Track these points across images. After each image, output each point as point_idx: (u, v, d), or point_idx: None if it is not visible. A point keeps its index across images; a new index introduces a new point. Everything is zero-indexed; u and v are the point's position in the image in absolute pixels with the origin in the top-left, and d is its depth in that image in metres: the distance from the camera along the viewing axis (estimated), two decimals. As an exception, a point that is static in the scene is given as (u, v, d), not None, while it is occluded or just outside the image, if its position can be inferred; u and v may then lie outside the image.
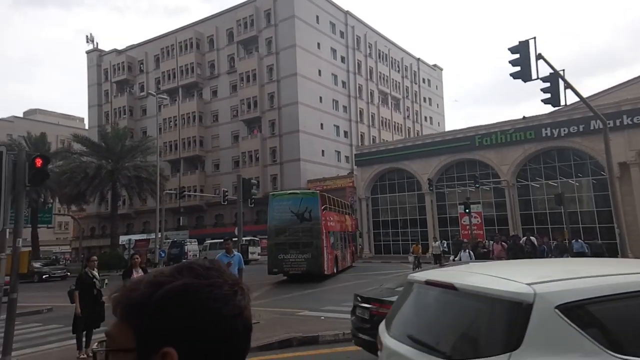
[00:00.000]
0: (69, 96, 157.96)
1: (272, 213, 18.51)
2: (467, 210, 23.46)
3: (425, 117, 60.64)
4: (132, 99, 55.73)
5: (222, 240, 31.50)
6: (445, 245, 22.96)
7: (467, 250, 13.55)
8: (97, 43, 59.90)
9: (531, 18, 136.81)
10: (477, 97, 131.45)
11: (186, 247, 35.69)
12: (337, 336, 7.41)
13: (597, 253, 19.43)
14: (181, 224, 48.98)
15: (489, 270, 2.86)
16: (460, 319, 2.50)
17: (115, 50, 58.55)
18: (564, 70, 13.89)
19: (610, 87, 30.69)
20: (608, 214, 22.88)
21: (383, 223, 37.82)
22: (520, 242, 15.23)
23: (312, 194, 20.00)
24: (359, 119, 49.21)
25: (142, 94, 51.43)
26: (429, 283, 2.74)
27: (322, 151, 44.28)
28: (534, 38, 12.23)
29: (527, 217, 30.49)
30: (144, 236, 42.73)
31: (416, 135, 53.36)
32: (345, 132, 47.63)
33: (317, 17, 45.26)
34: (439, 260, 20.39)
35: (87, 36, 59.88)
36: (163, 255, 28.00)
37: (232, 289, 0.73)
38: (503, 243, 14.69)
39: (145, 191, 31.68)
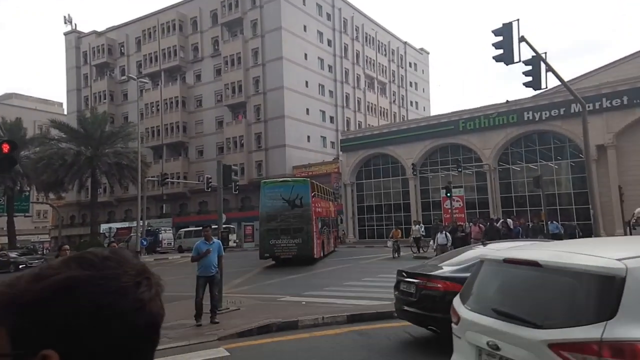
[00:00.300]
0: (47, 80, 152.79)
1: (263, 200, 19.21)
2: (448, 194, 23.59)
3: (411, 102, 60.46)
4: (112, 83, 54.01)
5: (198, 228, 31.50)
6: (422, 229, 22.44)
7: (443, 232, 13.96)
8: (75, 24, 57.60)
9: (521, 2, 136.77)
10: (464, 81, 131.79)
11: (160, 235, 35.08)
12: (316, 320, 7.27)
13: (571, 234, 20.01)
14: (164, 212, 48.26)
15: (569, 248, 3.17)
16: (549, 292, 2.75)
17: (94, 32, 56.40)
18: (545, 53, 13.74)
19: (591, 70, 30.92)
20: (585, 195, 23.25)
21: (367, 208, 37.92)
22: (497, 224, 15.42)
23: (303, 181, 20.58)
24: (345, 104, 48.74)
25: (123, 77, 49.81)
26: (507, 261, 3.02)
27: (308, 137, 43.82)
28: (517, 20, 12.02)
29: (508, 200, 30.91)
30: (125, 224, 42.02)
31: (402, 120, 53.19)
32: (331, 118, 47.16)
33: (303, -2, 44.22)
34: (418, 244, 20.44)
35: (64, 17, 57.24)
36: (145, 243, 27.50)
37: (134, 279, 0.66)
38: (481, 225, 14.93)
39: (126, 178, 30.92)
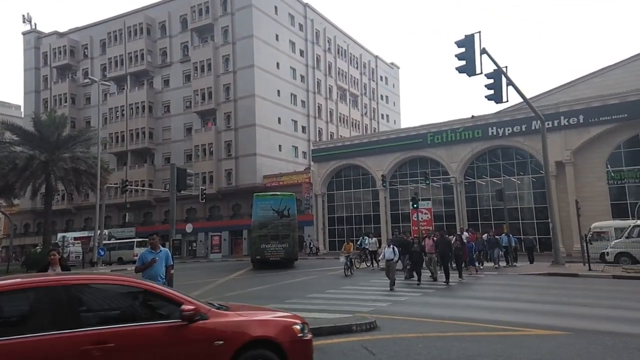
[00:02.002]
0: (4, 82, 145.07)
1: (256, 210, 22.61)
2: (414, 206, 23.76)
3: (382, 115, 61.40)
4: (74, 85, 51.79)
5: (129, 239, 30.57)
6: (374, 241, 20.78)
7: (391, 246, 12.93)
8: (35, 24, 55.18)
9: (494, 18, 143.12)
10: (433, 95, 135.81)
11: (68, 248, 32.68)
12: (270, 336, 6.78)
13: (528, 247, 20.74)
14: (127, 221, 46.24)
15: None
16: None
17: (56, 33, 54.12)
18: (506, 67, 14.17)
19: (550, 89, 32.35)
20: (546, 210, 24.02)
21: (338, 219, 37.76)
22: (449, 237, 15.37)
23: (290, 195, 23.89)
24: (317, 115, 48.79)
25: (85, 80, 47.84)
26: None
27: (280, 146, 43.43)
28: (479, 32, 12.31)
29: (474, 213, 31.55)
30: (84, 233, 39.83)
31: (373, 132, 53.83)
32: (303, 127, 47.04)
33: (276, 7, 44.22)
34: (374, 257, 19.77)
35: (23, 16, 54.64)
36: (102, 253, 26.02)
37: None
38: (434, 238, 14.68)
39: (84, 185, 29.29)
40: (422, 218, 29.73)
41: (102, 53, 50.07)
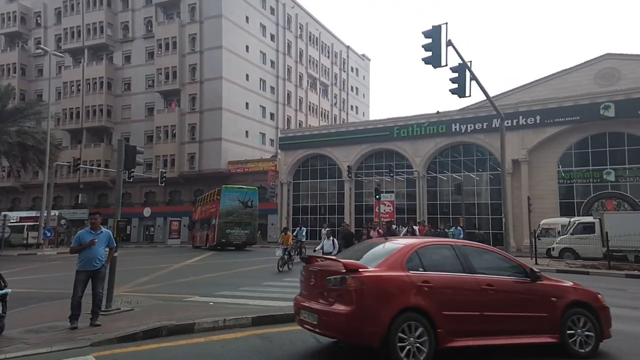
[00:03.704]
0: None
1: (224, 200, 25.73)
2: (377, 197, 24.01)
3: (352, 106, 61.52)
4: (25, 55, 48.09)
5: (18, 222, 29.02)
6: (304, 232, 19.32)
7: (330, 238, 12.22)
8: (-20, -15, 50.37)
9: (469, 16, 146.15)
10: (403, 89, 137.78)
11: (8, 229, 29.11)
12: (216, 323, 6.54)
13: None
14: (80, 202, 43.88)
15: None
16: None
17: (5, -4, 49.79)
18: (470, 62, 14.35)
19: (511, 88, 33.48)
20: (501, 206, 24.95)
21: (303, 208, 37.62)
22: (395, 228, 15.45)
23: (254, 189, 28.09)
24: (286, 102, 48.08)
25: (37, 50, 44.49)
26: None
27: (246, 132, 42.48)
28: (446, 24, 12.32)
29: (434, 207, 32.38)
30: (32, 213, 37.38)
31: (342, 123, 53.83)
32: (272, 114, 46.24)
33: (247, -12, 42.82)
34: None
35: (-34, -25, 49.77)
36: (49, 234, 24.49)
37: None
38: (379, 230, 14.60)
39: (32, 161, 27.34)
40: (384, 210, 30.19)
41: (57, 23, 46.68)
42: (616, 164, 26.93)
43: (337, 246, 12.13)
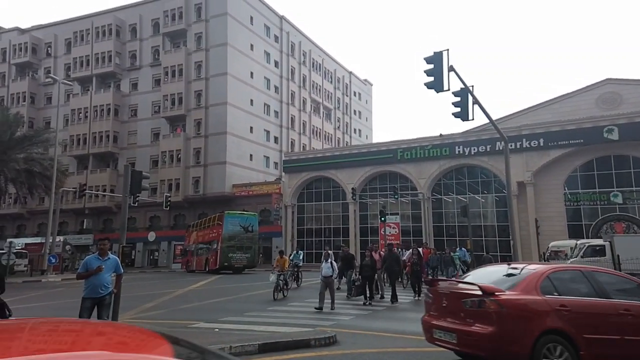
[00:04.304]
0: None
1: (226, 225, 26.85)
2: (382, 219, 23.84)
3: (355, 130, 62.13)
4: (34, 84, 49.34)
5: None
6: (301, 255, 18.34)
7: (328, 261, 11.48)
8: (-5, 18, 52.37)
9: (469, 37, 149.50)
10: (405, 112, 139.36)
11: (13, 256, 26.39)
12: (222, 351, 6.38)
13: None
14: (85, 227, 43.90)
15: None
16: None
17: (17, 29, 51.64)
18: (472, 86, 14.55)
19: (512, 112, 33.77)
20: (507, 228, 24.76)
21: (307, 231, 37.43)
22: (397, 251, 14.82)
23: (254, 214, 29.92)
24: (290, 126, 48.67)
25: (47, 79, 45.66)
26: None
27: (250, 155, 42.83)
28: (447, 50, 12.56)
29: (439, 229, 32.10)
30: (37, 239, 37.38)
31: (345, 145, 54.24)
32: (276, 138, 46.73)
33: (252, 17, 44.16)
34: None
35: (-18, 8, 51.76)
36: (54, 261, 24.39)
37: None
38: (381, 252, 14.03)
39: (38, 187, 27.57)
40: (389, 232, 29.99)
41: (67, 52, 48.09)
42: (623, 186, 26.79)
43: (336, 269, 11.69)
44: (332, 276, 11.31)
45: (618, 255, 15.83)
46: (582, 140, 27.53)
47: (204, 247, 29.27)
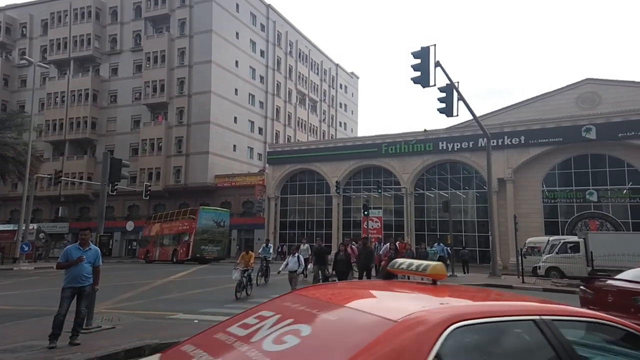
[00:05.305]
0: None
1: (200, 220, 28.59)
2: (365, 213, 23.94)
3: (340, 122, 62.05)
4: (8, 66, 47.31)
5: None
6: (305, 247, 17.51)
7: (296, 255, 11.00)
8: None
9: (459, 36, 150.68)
10: (390, 106, 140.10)
11: None
12: (204, 343, 6.25)
13: (464, 260, 21.82)
14: (60, 215, 42.63)
15: None
16: None
17: (-10, 6, 49.20)
18: (458, 82, 14.66)
19: (495, 110, 34.28)
20: (487, 224, 25.21)
21: (290, 224, 37.30)
22: (374, 245, 14.60)
23: (226, 211, 32.03)
24: (275, 117, 48.19)
25: (21, 61, 43.78)
26: None
27: (234, 146, 42.26)
28: (434, 45, 12.59)
29: (421, 224, 32.49)
30: (9, 227, 36.04)
31: (330, 138, 54.14)
32: (260, 129, 46.22)
33: (237, 5, 43.28)
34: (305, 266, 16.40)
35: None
36: (27, 249, 23.58)
37: None
38: (352, 247, 13.24)
39: (11, 173, 26.51)
40: (372, 226, 30.18)
41: (43, 34, 46.21)
42: (598, 184, 27.61)
43: (302, 263, 11.10)
44: (296, 271, 10.70)
45: (591, 252, 16.31)
46: (561, 139, 28.18)
47: (173, 238, 30.21)
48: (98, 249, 6.75)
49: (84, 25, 43.86)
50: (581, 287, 7.34)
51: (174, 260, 28.68)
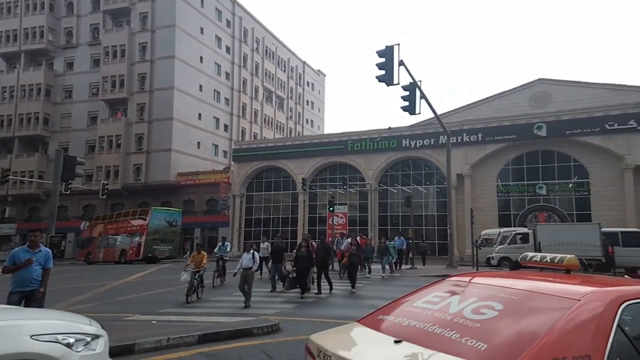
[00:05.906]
0: None
1: (152, 220, 29.19)
2: (331, 209, 24.26)
3: (307, 120, 62.15)
4: (-51, 56, 43.83)
5: None
6: (265, 246, 16.93)
7: (251, 252, 10.60)
8: None
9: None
10: (356, 104, 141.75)
11: None
12: (159, 343, 6.20)
13: (422, 252, 22.73)
14: (7, 216, 40.18)
15: None
16: None
17: None
18: (420, 81, 15.15)
19: (457, 107, 35.53)
20: (446, 218, 26.11)
21: (255, 221, 37.06)
22: (335, 240, 14.78)
23: (178, 210, 32.95)
24: (241, 114, 47.58)
25: (-36, 52, 40.78)
26: None
27: (198, 143, 41.38)
28: (398, 45, 12.93)
29: (385, 219, 33.27)
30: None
31: (297, 136, 54.12)
32: (226, 126, 45.50)
33: (202, 0, 42.32)
34: (265, 264, 16.22)
35: None
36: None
37: None
38: (312, 242, 12.89)
39: (-48, 172, 24.60)
40: (337, 222, 30.54)
41: (-10, 23, 43.22)
42: (547, 179, 29.32)
43: (257, 260, 10.77)
44: (251, 268, 10.44)
45: (539, 242, 17.35)
46: (515, 136, 29.64)
47: (118, 239, 29.98)
48: (49, 250, 6.52)
49: (36, 17, 41.42)
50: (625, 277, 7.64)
51: (122, 260, 28.30)
